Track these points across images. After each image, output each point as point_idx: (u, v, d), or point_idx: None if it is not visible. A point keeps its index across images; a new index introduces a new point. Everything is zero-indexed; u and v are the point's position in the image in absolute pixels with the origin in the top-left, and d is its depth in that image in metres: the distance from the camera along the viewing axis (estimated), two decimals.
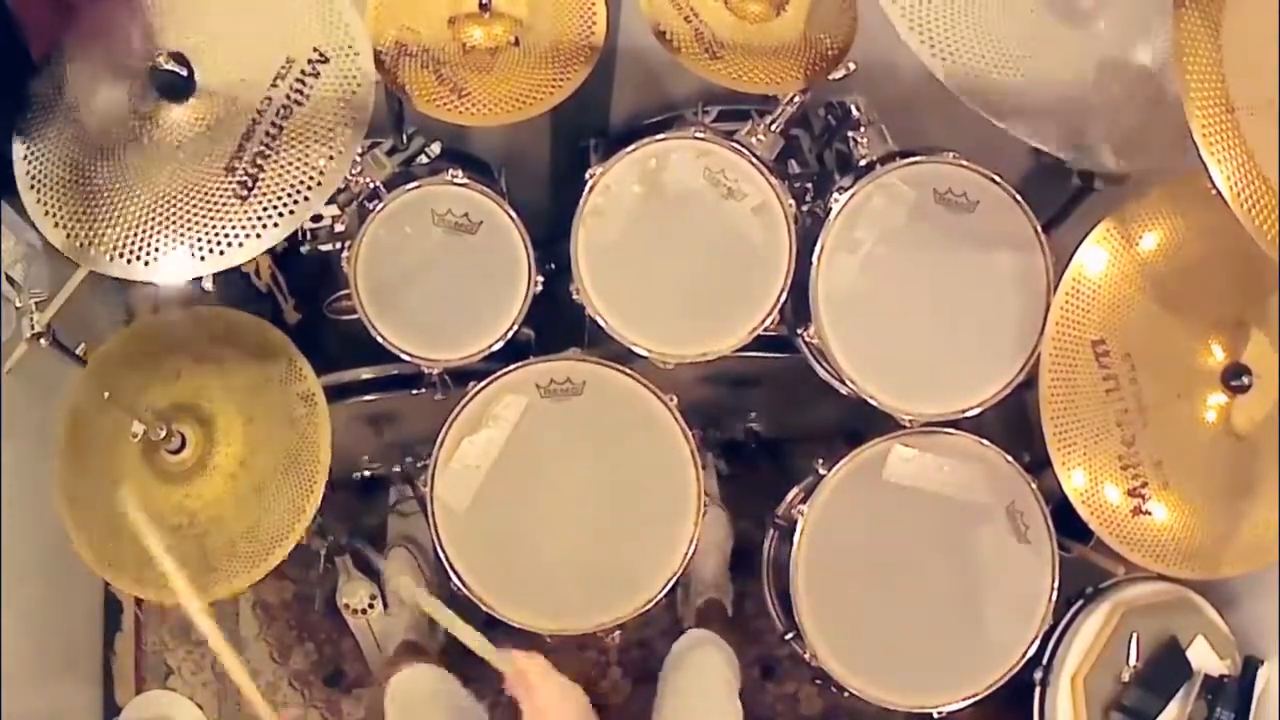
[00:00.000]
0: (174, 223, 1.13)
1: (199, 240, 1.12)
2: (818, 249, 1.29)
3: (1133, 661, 1.34)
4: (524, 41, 1.36)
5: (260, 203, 1.13)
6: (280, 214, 1.13)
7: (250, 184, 1.14)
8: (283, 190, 1.14)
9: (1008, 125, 1.15)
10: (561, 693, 1.06)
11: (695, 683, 1.42)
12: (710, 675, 1.42)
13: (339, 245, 1.38)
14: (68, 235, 1.14)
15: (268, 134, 1.16)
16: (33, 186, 1.16)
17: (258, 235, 1.13)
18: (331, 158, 1.16)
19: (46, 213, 1.15)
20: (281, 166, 1.15)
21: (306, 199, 1.14)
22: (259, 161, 1.15)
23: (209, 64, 1.18)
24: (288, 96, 1.18)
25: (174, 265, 1.13)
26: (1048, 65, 1.20)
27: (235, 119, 1.17)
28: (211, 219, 1.13)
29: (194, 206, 1.13)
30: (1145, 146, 1.22)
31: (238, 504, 1.28)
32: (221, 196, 1.13)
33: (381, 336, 1.34)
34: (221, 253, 1.12)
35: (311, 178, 1.15)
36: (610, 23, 1.40)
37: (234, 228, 1.13)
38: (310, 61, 1.20)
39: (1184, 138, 1.11)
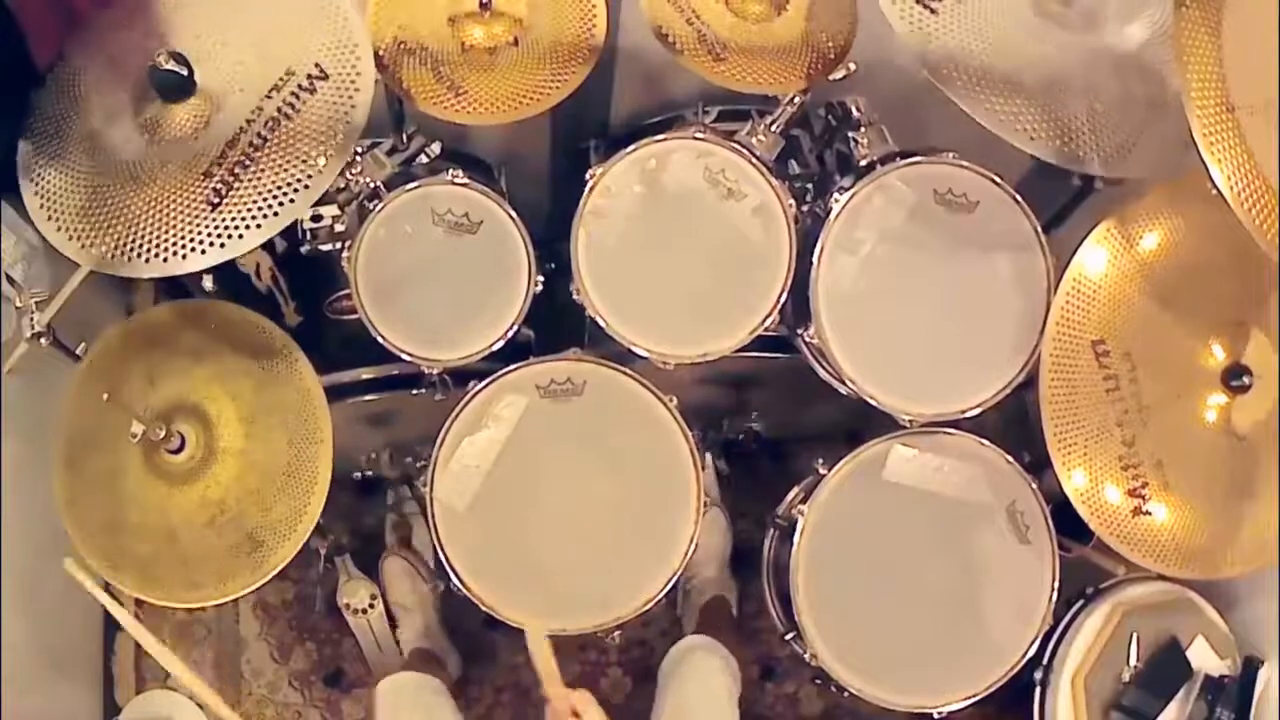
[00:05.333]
0: (156, 225, 1.13)
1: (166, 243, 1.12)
2: (818, 249, 1.29)
3: (1133, 661, 1.34)
4: (524, 41, 1.36)
5: (229, 213, 1.13)
6: (247, 226, 1.13)
7: (224, 192, 1.13)
8: (253, 204, 1.13)
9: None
10: None
11: (695, 689, 1.42)
12: (710, 681, 1.42)
13: (339, 245, 1.38)
14: (70, 236, 1.14)
15: (251, 145, 1.15)
16: (36, 191, 1.17)
17: (221, 245, 1.13)
18: (306, 184, 1.14)
19: (49, 216, 1.16)
20: (257, 180, 1.14)
21: (276, 214, 1.13)
22: (236, 171, 1.14)
23: (210, 68, 1.18)
24: (279, 110, 1.17)
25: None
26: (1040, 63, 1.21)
27: (223, 125, 1.16)
28: (180, 223, 1.13)
29: (168, 209, 1.13)
30: (1139, 153, 1.22)
31: (259, 478, 1.29)
32: (193, 202, 1.13)
33: (381, 336, 1.34)
34: (183, 257, 1.12)
35: (284, 196, 1.13)
36: (610, 23, 1.40)
37: (200, 234, 1.12)
38: (310, 77, 1.19)
39: (1179, 143, 1.12)
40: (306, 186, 1.14)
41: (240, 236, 1.12)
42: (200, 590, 1.27)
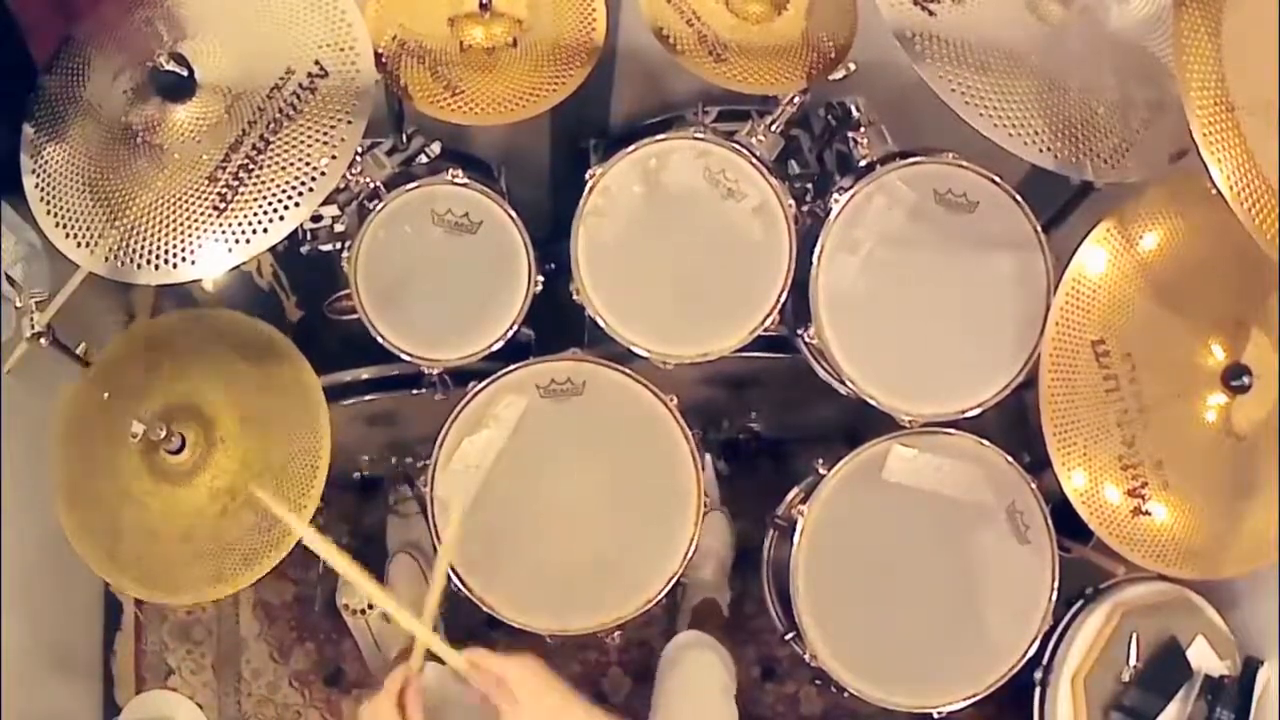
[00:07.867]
0: (159, 229, 1.12)
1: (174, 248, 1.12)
2: (818, 249, 1.29)
3: (1133, 661, 1.34)
4: (523, 42, 1.36)
5: (234, 219, 1.12)
6: (254, 231, 1.12)
7: (229, 197, 1.12)
8: (258, 209, 1.12)
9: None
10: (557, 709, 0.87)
11: (691, 685, 1.42)
12: (705, 677, 1.42)
13: (339, 245, 1.38)
14: (69, 236, 1.14)
15: (254, 147, 1.14)
16: (38, 187, 1.16)
17: (228, 249, 1.12)
18: (310, 187, 1.13)
19: (49, 212, 1.15)
20: (262, 183, 1.13)
21: (283, 218, 1.12)
22: (241, 175, 1.13)
23: (211, 67, 1.18)
24: (280, 110, 1.16)
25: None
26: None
27: (226, 128, 1.15)
28: (187, 229, 1.12)
29: (174, 214, 1.12)
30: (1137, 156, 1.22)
31: (263, 463, 1.28)
32: (199, 207, 1.12)
33: (381, 336, 1.34)
34: (192, 264, 1.11)
35: (288, 199, 1.12)
36: (610, 23, 1.40)
37: (207, 240, 1.11)
38: (310, 75, 1.18)
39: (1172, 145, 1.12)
40: (311, 189, 1.13)
41: (247, 241, 1.11)
42: (141, 586, 1.26)
